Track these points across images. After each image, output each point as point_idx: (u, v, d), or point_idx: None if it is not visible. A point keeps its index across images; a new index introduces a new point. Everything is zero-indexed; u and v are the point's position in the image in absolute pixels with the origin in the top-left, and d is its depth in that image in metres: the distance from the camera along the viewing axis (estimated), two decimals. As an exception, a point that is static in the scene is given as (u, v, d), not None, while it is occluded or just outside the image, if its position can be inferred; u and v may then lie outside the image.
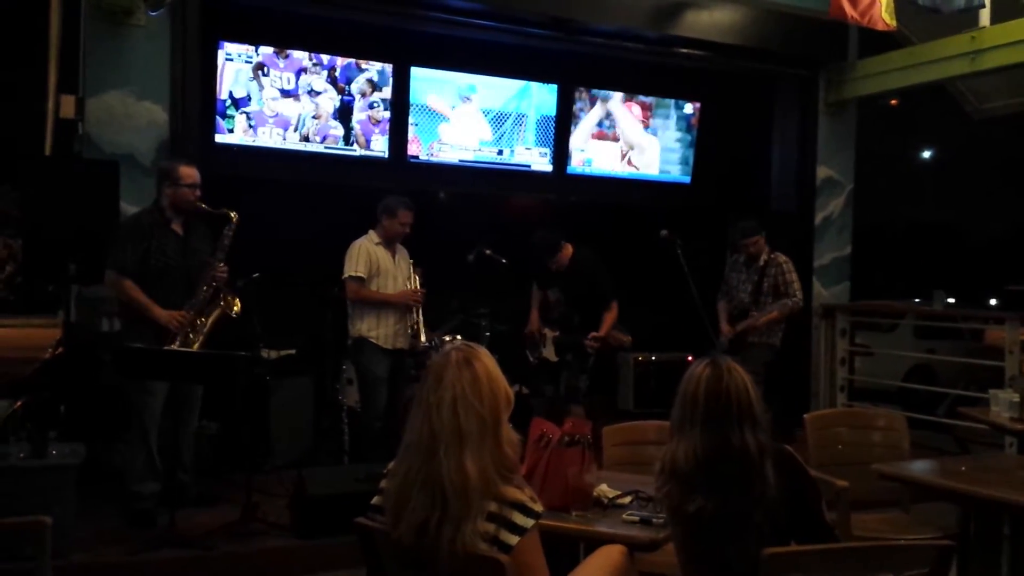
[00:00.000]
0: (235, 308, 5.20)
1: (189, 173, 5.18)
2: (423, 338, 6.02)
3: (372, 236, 6.02)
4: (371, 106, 7.54)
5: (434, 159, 7.91)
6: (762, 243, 6.82)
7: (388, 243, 6.01)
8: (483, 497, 2.32)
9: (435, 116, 7.85)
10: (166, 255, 5.09)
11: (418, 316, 6.05)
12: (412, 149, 7.81)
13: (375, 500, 2.53)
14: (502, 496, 2.35)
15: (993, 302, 16.94)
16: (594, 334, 6.25)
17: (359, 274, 5.87)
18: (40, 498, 4.30)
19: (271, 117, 7.18)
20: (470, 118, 8.00)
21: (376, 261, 5.93)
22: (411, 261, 6.16)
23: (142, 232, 5.08)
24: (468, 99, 7.96)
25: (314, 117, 7.33)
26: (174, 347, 4.95)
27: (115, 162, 5.72)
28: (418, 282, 6.08)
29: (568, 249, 6.41)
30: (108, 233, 5.28)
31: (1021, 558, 3.87)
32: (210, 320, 5.11)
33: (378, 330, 5.91)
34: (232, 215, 5.20)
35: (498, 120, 8.11)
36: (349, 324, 6.03)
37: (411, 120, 7.76)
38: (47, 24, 5.98)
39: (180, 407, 5.18)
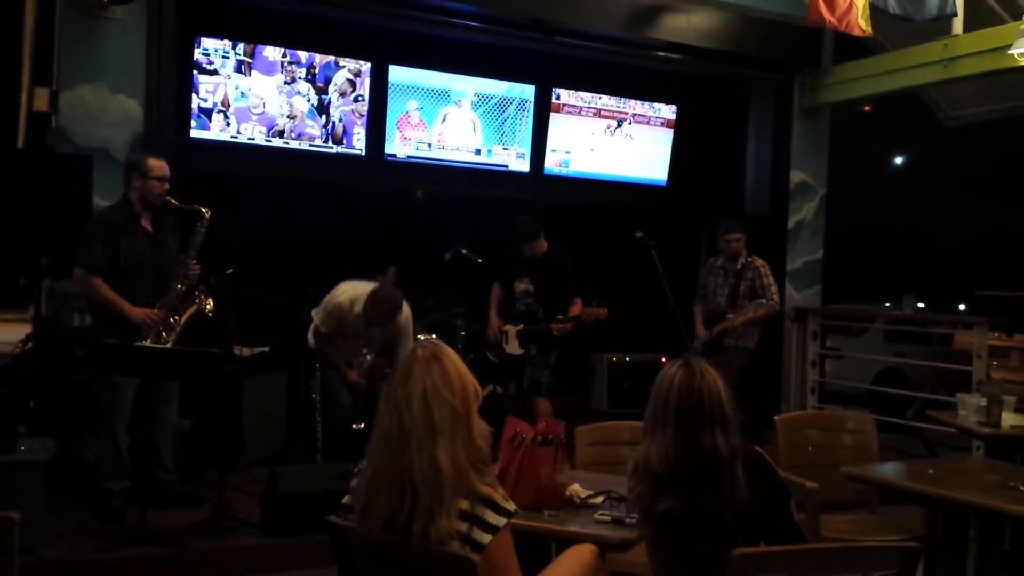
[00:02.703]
0: (208, 306, 5.15)
1: (158, 165, 5.08)
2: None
3: (358, 303, 5.56)
4: (351, 103, 7.52)
5: (411, 157, 7.91)
6: (744, 242, 6.88)
7: (369, 325, 5.68)
8: (456, 491, 2.32)
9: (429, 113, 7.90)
10: (137, 252, 5.00)
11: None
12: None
13: (346, 499, 2.53)
14: (474, 492, 2.35)
15: (962, 307, 17.11)
16: (561, 316, 6.24)
17: (321, 329, 5.69)
18: (8, 493, 4.25)
19: (247, 113, 7.15)
20: (451, 117, 8.01)
21: (346, 326, 5.66)
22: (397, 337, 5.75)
23: (112, 229, 4.98)
24: (448, 98, 7.97)
25: (290, 116, 7.31)
26: (146, 344, 4.90)
27: (88, 156, 5.68)
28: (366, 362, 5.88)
29: (544, 242, 6.41)
30: (80, 228, 5.23)
31: (987, 560, 3.91)
32: (184, 318, 5.06)
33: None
34: (204, 211, 5.13)
35: (477, 119, 8.12)
36: (309, 332, 5.89)
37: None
38: (21, 16, 5.92)
39: (156, 404, 5.14)
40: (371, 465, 2.41)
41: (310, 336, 5.98)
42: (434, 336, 6.81)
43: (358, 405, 5.89)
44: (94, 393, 5.06)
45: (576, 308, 6.29)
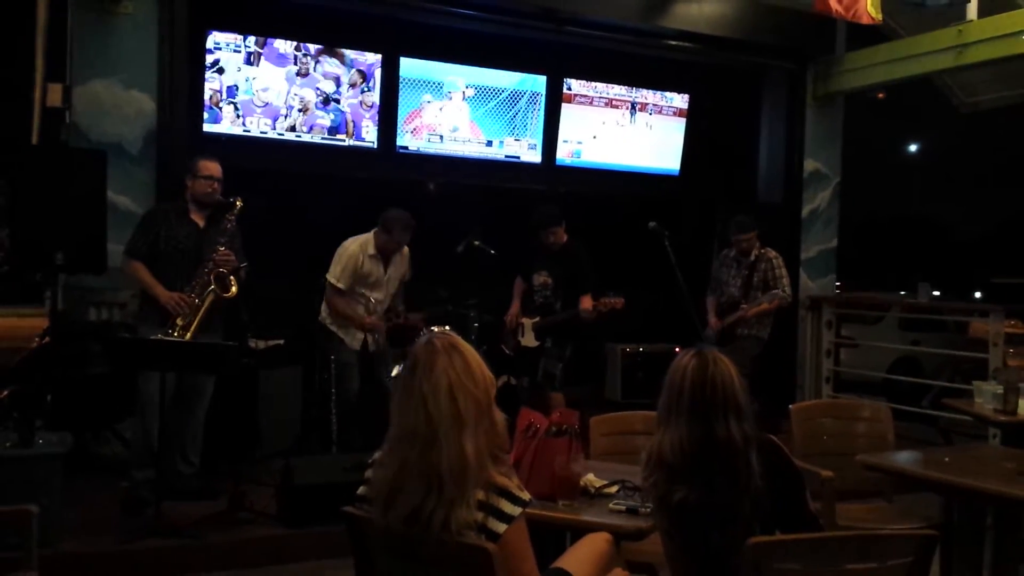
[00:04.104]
0: (232, 289, 5.22)
1: (207, 167, 5.33)
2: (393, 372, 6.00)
3: (369, 245, 5.99)
4: (361, 95, 7.52)
5: (423, 149, 7.91)
6: (755, 239, 6.87)
7: (383, 255, 6.01)
8: (476, 481, 2.32)
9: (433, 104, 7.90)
10: (177, 240, 5.23)
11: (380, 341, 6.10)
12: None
13: (361, 490, 2.53)
14: (491, 482, 2.35)
15: (978, 295, 17.03)
16: (584, 306, 6.21)
17: (339, 285, 5.94)
18: (27, 487, 4.28)
19: (259, 107, 7.16)
20: (459, 108, 8.00)
21: (364, 274, 5.97)
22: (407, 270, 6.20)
23: (156, 219, 5.31)
24: (457, 89, 7.96)
25: (301, 110, 7.31)
26: (177, 325, 5.05)
27: (102, 151, 5.68)
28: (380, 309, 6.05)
29: (564, 234, 6.40)
30: (95, 223, 5.30)
31: (1003, 548, 3.90)
32: (205, 303, 5.14)
33: (343, 330, 6.05)
34: (236, 202, 5.29)
35: (489, 112, 8.11)
36: (321, 309, 6.11)
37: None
38: (34, 12, 5.95)
39: (187, 399, 5.26)
40: (397, 459, 2.39)
41: (323, 310, 6.05)
42: (447, 328, 6.80)
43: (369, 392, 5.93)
44: (133, 381, 5.17)
45: (585, 304, 6.25)
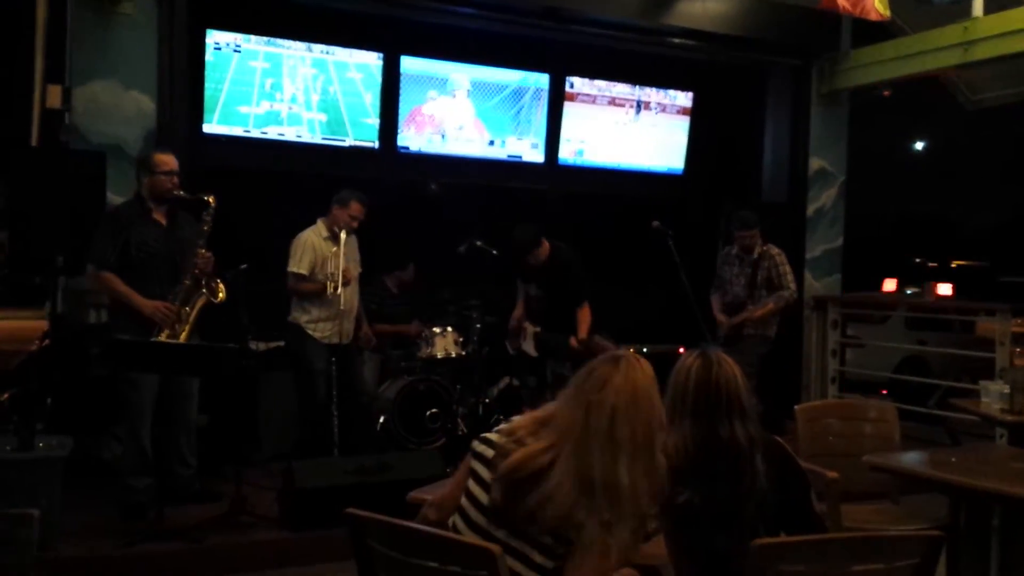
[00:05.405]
0: (220, 295, 5.15)
1: (164, 160, 5.16)
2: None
3: (320, 228, 6.07)
4: (361, 94, 7.50)
5: (424, 149, 7.88)
6: (757, 237, 6.84)
7: (334, 235, 6.01)
8: (627, 513, 2.29)
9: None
10: (148, 245, 5.06)
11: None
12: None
13: (493, 435, 2.46)
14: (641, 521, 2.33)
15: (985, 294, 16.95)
16: (575, 338, 6.13)
17: (301, 271, 5.95)
18: (27, 490, 4.29)
19: (259, 107, 7.14)
20: (461, 108, 7.97)
21: (321, 256, 5.99)
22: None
23: (120, 224, 5.06)
24: (459, 88, 7.94)
25: (305, 108, 7.29)
26: (162, 338, 4.92)
27: (102, 152, 5.68)
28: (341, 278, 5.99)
29: (546, 246, 6.22)
30: (95, 225, 5.26)
31: (1010, 549, 3.88)
32: (195, 309, 5.07)
33: (316, 324, 6.01)
34: (210, 199, 5.14)
35: (494, 107, 8.09)
36: (291, 308, 6.10)
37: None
38: (33, 13, 5.94)
39: (174, 401, 5.17)
40: (550, 440, 2.36)
41: (293, 309, 6.08)
42: (450, 329, 6.77)
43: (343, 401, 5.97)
44: (117, 390, 5.10)
45: (584, 314, 6.16)
